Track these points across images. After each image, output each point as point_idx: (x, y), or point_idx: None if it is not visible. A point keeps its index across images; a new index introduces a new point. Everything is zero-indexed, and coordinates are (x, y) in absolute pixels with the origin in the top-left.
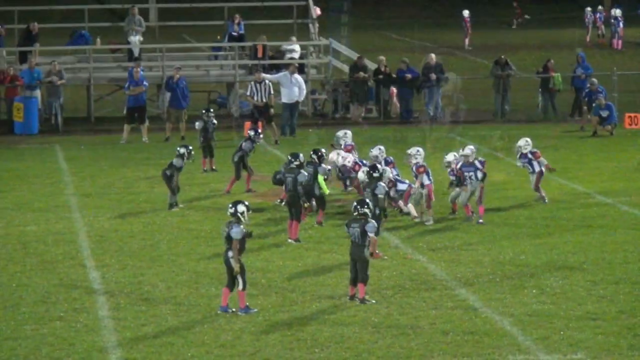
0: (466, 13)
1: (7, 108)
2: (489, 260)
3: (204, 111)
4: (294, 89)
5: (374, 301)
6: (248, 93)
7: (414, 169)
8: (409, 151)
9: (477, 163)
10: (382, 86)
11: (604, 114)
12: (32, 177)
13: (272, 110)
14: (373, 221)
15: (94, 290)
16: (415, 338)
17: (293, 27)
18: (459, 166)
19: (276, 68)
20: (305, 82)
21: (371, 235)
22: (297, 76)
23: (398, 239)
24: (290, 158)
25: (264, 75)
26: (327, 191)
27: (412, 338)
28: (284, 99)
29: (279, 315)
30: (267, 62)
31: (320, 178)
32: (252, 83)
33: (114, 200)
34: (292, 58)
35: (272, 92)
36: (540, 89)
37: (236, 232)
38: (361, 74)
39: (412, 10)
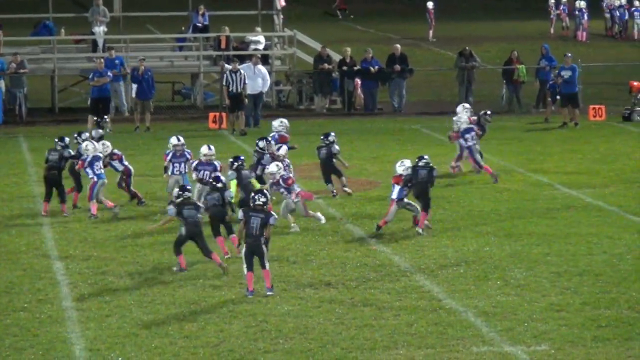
0: (430, 5)
1: None
2: (452, 252)
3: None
4: (258, 80)
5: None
6: (224, 83)
7: (281, 182)
8: (268, 169)
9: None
10: (346, 78)
11: (566, 74)
12: None
13: (245, 100)
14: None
15: (57, 281)
16: (379, 329)
17: (258, 18)
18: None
19: (240, 59)
20: (270, 73)
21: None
22: (260, 67)
23: (362, 230)
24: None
25: (227, 66)
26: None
27: (376, 329)
28: (248, 90)
29: (243, 306)
30: (232, 52)
31: (233, 183)
32: (228, 72)
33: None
34: (256, 49)
35: (246, 82)
36: (504, 81)
37: (274, 220)
38: (325, 65)
39: (377, 1)
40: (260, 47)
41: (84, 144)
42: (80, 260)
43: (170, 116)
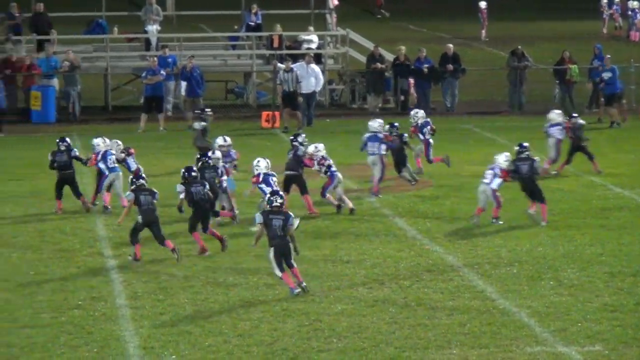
0: (483, 4)
1: (24, 97)
2: (506, 252)
3: (200, 111)
4: (311, 79)
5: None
6: (278, 82)
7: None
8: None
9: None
10: (399, 77)
11: (607, 76)
12: None
13: (300, 99)
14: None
15: (111, 279)
16: (432, 329)
17: (310, 17)
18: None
19: (293, 58)
20: (323, 72)
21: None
22: (313, 66)
23: (415, 229)
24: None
25: (280, 65)
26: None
27: (429, 329)
28: (301, 89)
29: (296, 305)
30: (284, 52)
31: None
32: (281, 72)
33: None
34: (309, 48)
35: (300, 80)
36: (557, 81)
37: (293, 220)
38: (378, 64)
39: (429, 1)
40: (313, 46)
41: (95, 141)
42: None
43: (223, 115)
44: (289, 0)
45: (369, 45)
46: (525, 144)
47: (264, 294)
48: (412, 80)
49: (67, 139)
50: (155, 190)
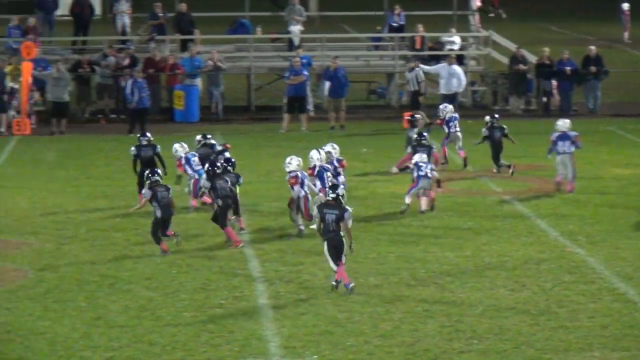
0: (626, 6)
1: (167, 96)
2: None
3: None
4: (453, 80)
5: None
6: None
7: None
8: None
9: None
10: (542, 78)
11: None
12: None
13: (420, 99)
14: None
15: (253, 278)
16: (574, 331)
17: (453, 18)
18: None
19: (436, 59)
20: (465, 73)
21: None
22: (455, 67)
23: (557, 231)
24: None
25: (422, 66)
26: None
27: (571, 331)
28: (443, 90)
29: (438, 306)
30: (426, 53)
31: None
32: (407, 71)
33: (272, 189)
34: (451, 49)
35: (420, 80)
36: None
37: (349, 214)
38: (520, 66)
39: (571, 2)
40: (455, 47)
41: (174, 146)
42: (276, 258)
43: (365, 115)
44: (432, 1)
45: (511, 46)
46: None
47: (405, 294)
48: (554, 82)
49: (148, 134)
50: (170, 186)
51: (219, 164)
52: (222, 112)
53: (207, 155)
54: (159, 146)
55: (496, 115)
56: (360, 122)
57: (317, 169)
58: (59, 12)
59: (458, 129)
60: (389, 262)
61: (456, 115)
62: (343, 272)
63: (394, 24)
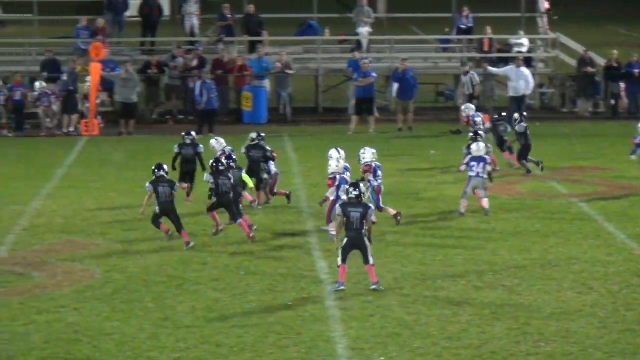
0: None
1: (236, 97)
2: None
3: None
4: (520, 82)
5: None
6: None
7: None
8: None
9: None
10: (611, 81)
11: None
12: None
13: (474, 102)
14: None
15: (321, 280)
16: None
17: (521, 20)
18: None
19: (503, 61)
20: (533, 76)
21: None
22: (523, 70)
23: (625, 234)
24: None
25: (490, 68)
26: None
27: (638, 334)
28: (511, 93)
29: (506, 308)
30: (494, 55)
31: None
32: (462, 75)
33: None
34: (519, 52)
35: (475, 84)
36: None
37: (372, 211)
38: (589, 68)
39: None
40: (524, 49)
41: (210, 142)
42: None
43: (433, 117)
44: (500, 3)
45: (579, 49)
46: None
47: (472, 297)
48: (623, 85)
49: (193, 133)
50: (174, 182)
51: (223, 161)
52: (290, 113)
53: (257, 159)
54: (201, 146)
55: (525, 113)
56: (429, 124)
57: (337, 180)
58: (128, 13)
59: (482, 127)
60: (456, 265)
61: (478, 113)
62: (343, 272)
63: (462, 26)
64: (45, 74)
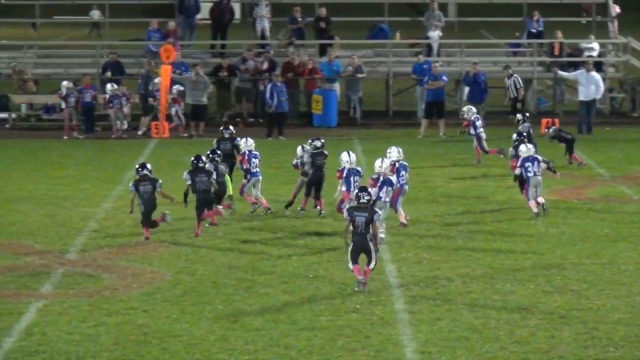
0: None
1: (306, 100)
2: None
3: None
4: (591, 86)
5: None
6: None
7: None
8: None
9: None
10: None
11: None
12: (330, 169)
13: (518, 105)
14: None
15: (390, 283)
16: None
17: (592, 24)
18: None
19: (574, 66)
20: (603, 80)
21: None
22: (594, 74)
23: None
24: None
25: (560, 72)
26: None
27: None
28: (581, 97)
29: (574, 313)
30: (565, 59)
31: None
32: (505, 78)
33: (408, 193)
34: (590, 56)
35: (518, 86)
36: None
37: (378, 216)
38: None
39: None
40: (594, 53)
41: (238, 140)
42: (412, 263)
43: (503, 121)
44: (571, 7)
45: None
46: None
47: (541, 301)
48: None
49: (231, 127)
50: (157, 179)
51: (203, 158)
52: (360, 117)
53: (320, 166)
54: (239, 139)
55: (527, 113)
56: (499, 128)
57: (345, 171)
58: (199, 15)
59: (482, 129)
60: (525, 269)
61: (478, 116)
62: (368, 274)
63: (533, 30)
64: (108, 74)
